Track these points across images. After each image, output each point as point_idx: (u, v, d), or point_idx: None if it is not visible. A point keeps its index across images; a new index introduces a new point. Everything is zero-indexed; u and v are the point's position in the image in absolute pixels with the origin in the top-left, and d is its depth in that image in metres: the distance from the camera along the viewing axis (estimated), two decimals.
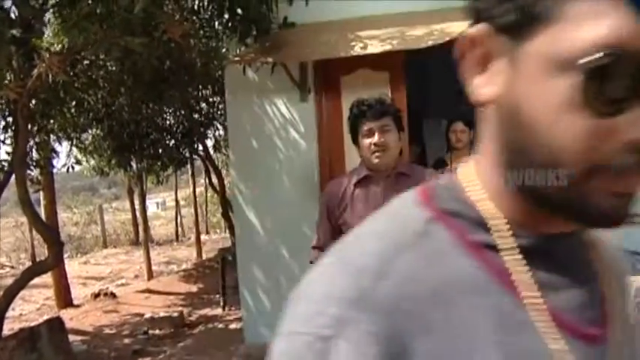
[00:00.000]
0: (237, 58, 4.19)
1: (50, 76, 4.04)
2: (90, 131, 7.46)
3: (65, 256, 13.72)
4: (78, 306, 7.99)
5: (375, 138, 2.32)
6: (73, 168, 6.83)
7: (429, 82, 5.56)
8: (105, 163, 8.18)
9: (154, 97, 5.81)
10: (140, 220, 10.47)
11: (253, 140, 4.70)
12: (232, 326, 6.07)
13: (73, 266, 12.31)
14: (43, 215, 8.04)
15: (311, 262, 2.58)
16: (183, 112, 8.58)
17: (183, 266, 10.92)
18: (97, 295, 7.91)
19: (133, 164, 9.12)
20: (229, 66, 4.70)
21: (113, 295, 7.96)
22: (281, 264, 4.64)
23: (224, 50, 4.65)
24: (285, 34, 4.23)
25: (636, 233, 3.82)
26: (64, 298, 8.10)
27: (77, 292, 9.37)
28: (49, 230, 5.00)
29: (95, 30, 3.56)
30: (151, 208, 28.53)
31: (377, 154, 2.33)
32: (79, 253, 13.78)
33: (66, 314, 7.51)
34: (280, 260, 4.64)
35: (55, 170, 7.50)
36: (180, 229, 15.93)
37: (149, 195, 30.78)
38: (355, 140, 2.42)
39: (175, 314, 6.61)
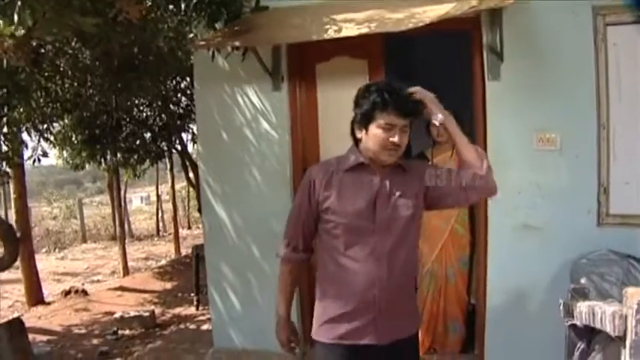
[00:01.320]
0: (202, 43, 3.82)
1: (5, 63, 3.65)
2: (59, 122, 7.03)
3: (42, 251, 13.36)
4: (49, 303, 7.59)
5: (396, 138, 2.05)
6: (39, 160, 6.36)
7: (412, 73, 5.20)
8: (75, 156, 7.73)
9: (123, 87, 5.39)
10: (117, 215, 10.04)
11: (223, 132, 4.33)
12: (205, 327, 5.71)
13: (49, 261, 11.90)
14: (12, 209, 7.67)
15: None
16: (159, 104, 8.17)
17: (162, 262, 10.54)
18: (67, 293, 7.50)
19: (108, 157, 8.74)
20: (198, 53, 4.33)
21: (85, 293, 7.56)
22: (252, 263, 4.29)
23: (192, 35, 4.25)
24: (257, 17, 3.88)
25: (630, 238, 3.55)
26: (35, 296, 7.70)
27: (52, 289, 9.00)
28: (2, 225, 4.59)
29: (44, 9, 3.18)
30: (135, 202, 28.04)
31: (391, 152, 2.09)
32: (57, 248, 13.30)
33: (35, 313, 7.14)
34: (251, 259, 4.29)
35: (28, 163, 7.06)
36: (161, 223, 15.49)
37: (134, 189, 30.34)
38: (363, 125, 2.10)
39: (146, 314, 6.23)
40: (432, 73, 5.07)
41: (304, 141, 4.18)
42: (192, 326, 5.97)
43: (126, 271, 9.31)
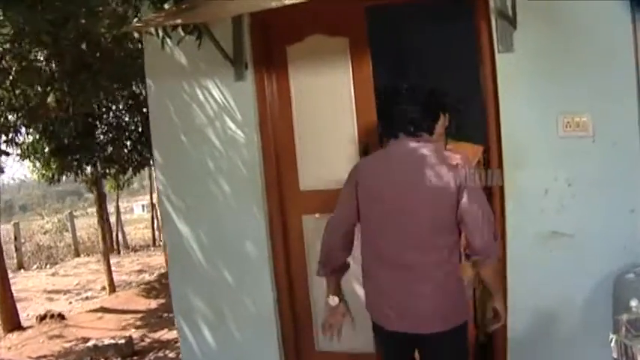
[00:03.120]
0: (140, 24, 3.03)
1: None
2: (21, 132, 6.27)
3: (34, 267, 12.62)
4: (25, 328, 6.80)
5: None
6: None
7: (403, 51, 4.35)
8: (45, 168, 6.96)
9: (78, 89, 4.62)
10: (99, 230, 9.27)
11: (182, 135, 3.54)
12: None
13: (40, 278, 11.16)
14: None
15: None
16: (136, 109, 7.43)
17: (154, 275, 9.76)
18: (43, 318, 6.71)
19: (88, 168, 7.99)
20: (148, 43, 3.54)
21: (61, 317, 6.77)
22: (224, 293, 3.49)
23: (136, 20, 3.46)
24: None
25: None
26: (10, 321, 6.91)
27: (38, 309, 8.24)
28: None
29: None
30: (137, 211, 27.32)
31: None
32: (49, 263, 12.54)
33: (8, 341, 6.37)
34: (224, 288, 3.49)
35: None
36: (157, 232, 14.71)
37: (136, 197, 29.57)
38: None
39: (122, 341, 5.45)
40: (428, 50, 4.27)
41: (276, 141, 3.38)
42: (172, 354, 5.19)
43: (112, 288, 8.53)
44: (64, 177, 7.82)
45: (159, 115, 3.63)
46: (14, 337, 6.48)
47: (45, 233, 14.39)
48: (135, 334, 6.08)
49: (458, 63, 3.16)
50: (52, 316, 6.70)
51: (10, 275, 11.78)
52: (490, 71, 2.85)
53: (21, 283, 10.89)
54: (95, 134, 7.03)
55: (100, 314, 6.98)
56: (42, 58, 4.63)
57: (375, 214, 2.23)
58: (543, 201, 2.81)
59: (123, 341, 5.45)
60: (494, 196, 2.88)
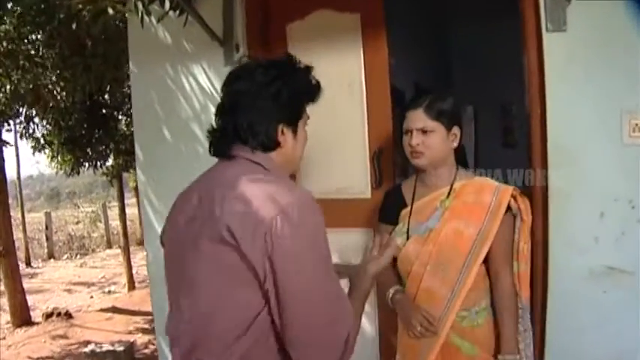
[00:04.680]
0: None
1: None
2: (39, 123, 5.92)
3: (64, 257, 12.43)
4: (34, 324, 6.43)
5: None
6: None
7: (426, 30, 3.66)
8: (59, 159, 6.56)
9: (71, 74, 4.15)
10: (119, 224, 8.90)
11: (165, 129, 3.00)
12: None
13: (67, 269, 10.93)
14: None
15: None
16: None
17: None
18: (49, 316, 6.33)
19: (110, 160, 7.59)
20: (133, 27, 3.01)
21: (68, 316, 6.37)
22: None
23: None
24: None
25: None
26: (20, 316, 6.57)
27: (59, 301, 7.93)
28: None
29: None
30: None
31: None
32: (79, 254, 12.32)
33: (12, 338, 6.01)
34: None
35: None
36: None
37: None
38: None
39: (121, 348, 4.98)
40: (457, 30, 3.59)
41: None
42: None
43: (131, 284, 8.14)
44: (82, 169, 7.41)
45: (141, 105, 3.09)
46: (21, 333, 6.13)
47: (77, 223, 14.21)
48: (140, 339, 5.63)
49: (495, 45, 2.49)
50: (59, 314, 6.31)
51: (40, 265, 11.73)
52: (535, 56, 2.18)
53: (48, 273, 10.72)
54: (111, 124, 6.55)
55: (109, 314, 6.56)
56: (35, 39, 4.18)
57: None
58: (598, 227, 2.13)
59: (122, 348, 4.99)
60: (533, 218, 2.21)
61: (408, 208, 1.97)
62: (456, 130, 1.89)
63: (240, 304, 1.20)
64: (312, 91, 1.39)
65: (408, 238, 1.93)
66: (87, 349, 5.09)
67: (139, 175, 3.18)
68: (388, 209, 2.07)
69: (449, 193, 1.90)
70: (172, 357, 1.34)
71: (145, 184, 3.11)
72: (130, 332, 5.94)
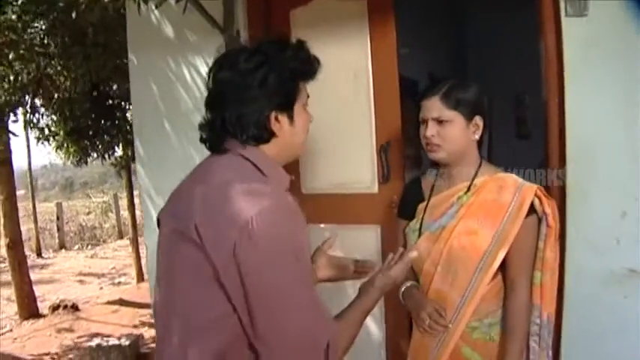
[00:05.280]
0: None
1: None
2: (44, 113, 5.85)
3: (75, 248, 12.43)
4: (41, 316, 6.40)
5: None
6: None
7: (436, 16, 3.49)
8: (65, 150, 6.49)
9: (69, 64, 4.07)
10: (128, 216, 8.85)
11: (166, 122, 2.90)
12: None
13: (78, 260, 10.94)
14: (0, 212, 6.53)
15: None
16: None
17: None
18: (55, 308, 6.29)
19: (119, 151, 7.51)
20: (131, 15, 2.89)
21: (75, 308, 6.32)
22: None
23: None
24: None
25: None
26: (27, 308, 6.52)
27: (68, 292, 7.92)
28: None
29: None
30: None
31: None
32: (90, 244, 12.33)
33: (19, 331, 5.97)
34: None
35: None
36: None
37: None
38: None
39: (127, 342, 4.91)
40: (471, 16, 3.44)
41: None
42: None
43: (140, 276, 8.09)
44: (90, 160, 7.34)
45: (141, 97, 2.99)
46: (27, 325, 6.10)
47: (89, 214, 14.22)
48: (147, 332, 5.57)
49: (509, 34, 2.34)
50: (66, 306, 6.26)
51: (51, 255, 11.74)
52: (554, 44, 2.03)
53: (59, 264, 10.73)
54: (118, 115, 6.46)
55: (116, 307, 6.49)
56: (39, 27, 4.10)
57: None
58: (619, 228, 1.99)
59: (128, 342, 4.92)
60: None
61: (425, 203, 1.82)
62: (478, 120, 1.69)
63: (204, 304, 1.15)
64: (306, 69, 1.26)
65: (419, 236, 1.78)
66: (93, 344, 5.02)
67: (138, 169, 3.08)
68: (406, 204, 1.91)
69: (468, 189, 1.72)
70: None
71: (145, 180, 3.01)
72: (136, 326, 5.88)
